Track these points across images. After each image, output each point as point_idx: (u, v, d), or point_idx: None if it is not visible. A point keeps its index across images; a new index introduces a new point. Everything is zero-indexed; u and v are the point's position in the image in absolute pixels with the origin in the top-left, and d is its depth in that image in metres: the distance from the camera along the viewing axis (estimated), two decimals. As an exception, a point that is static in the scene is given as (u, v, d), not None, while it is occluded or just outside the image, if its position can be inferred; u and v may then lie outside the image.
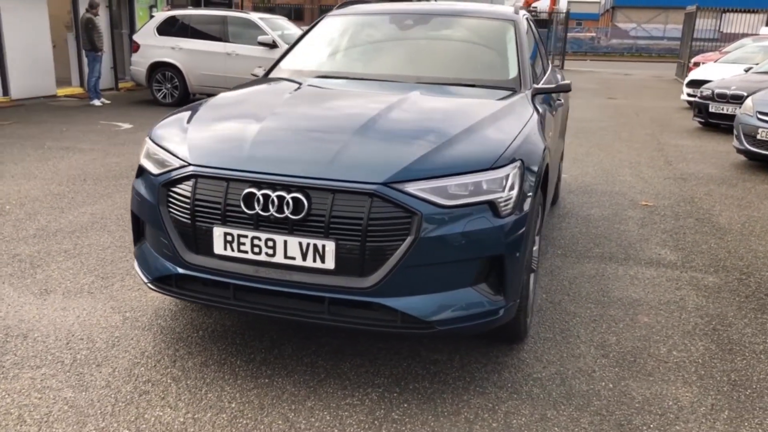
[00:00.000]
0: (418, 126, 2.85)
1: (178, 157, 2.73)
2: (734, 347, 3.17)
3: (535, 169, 2.80)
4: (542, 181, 3.26)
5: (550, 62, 5.42)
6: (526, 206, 2.68)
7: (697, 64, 16.77)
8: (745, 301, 3.73)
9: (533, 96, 3.59)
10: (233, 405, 2.56)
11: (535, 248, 3.29)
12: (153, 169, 2.81)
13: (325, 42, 4.14)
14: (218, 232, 2.57)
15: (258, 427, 2.43)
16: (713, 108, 10.51)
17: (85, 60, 12.05)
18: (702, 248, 4.66)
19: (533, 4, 46.88)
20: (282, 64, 4.02)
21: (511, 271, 2.63)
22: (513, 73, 3.63)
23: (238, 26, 11.52)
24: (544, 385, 2.77)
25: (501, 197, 2.55)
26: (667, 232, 5.01)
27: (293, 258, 2.50)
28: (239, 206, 2.53)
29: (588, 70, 27.99)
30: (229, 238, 2.56)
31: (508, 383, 2.78)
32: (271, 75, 3.93)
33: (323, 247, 2.46)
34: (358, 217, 2.42)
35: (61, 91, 12.69)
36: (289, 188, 2.49)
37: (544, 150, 3.03)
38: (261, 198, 2.49)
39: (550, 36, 30.07)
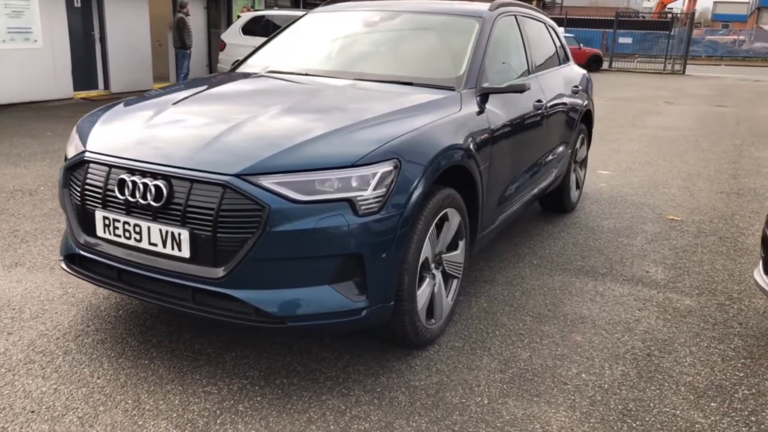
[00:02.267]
0: (301, 121, 2.83)
1: (81, 144, 2.89)
2: (656, 376, 2.87)
3: (422, 168, 2.69)
4: (471, 184, 3.16)
5: (559, 62, 5.12)
6: (401, 206, 2.58)
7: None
8: (710, 329, 3.36)
9: (482, 95, 3.44)
10: (99, 381, 2.68)
11: (455, 253, 3.16)
12: (68, 154, 2.99)
13: (294, 38, 4.20)
14: (99, 215, 2.70)
15: (106, 403, 2.53)
16: (815, 118, 9.44)
17: (179, 57, 12.92)
18: (703, 269, 4.24)
19: (669, 5, 44.35)
20: (250, 59, 4.12)
21: (374, 272, 2.56)
22: (460, 71, 3.49)
23: (316, 26, 11.83)
24: (415, 393, 2.66)
25: (362, 195, 2.49)
26: (674, 249, 4.60)
27: (156, 244, 2.58)
28: (114, 191, 2.64)
29: (713, 75, 26.02)
30: (106, 221, 2.68)
31: (378, 388, 2.69)
32: (238, 70, 4.04)
33: (179, 235, 2.51)
34: (210, 207, 2.45)
35: (157, 86, 13.63)
36: (155, 176, 2.56)
37: (450, 150, 2.90)
38: (130, 184, 2.59)
39: (674, 38, 28.21)
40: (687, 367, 2.96)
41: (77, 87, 11.88)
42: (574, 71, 5.27)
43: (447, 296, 3.18)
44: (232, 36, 12.46)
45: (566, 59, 5.33)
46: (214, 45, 15.14)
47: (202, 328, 3.14)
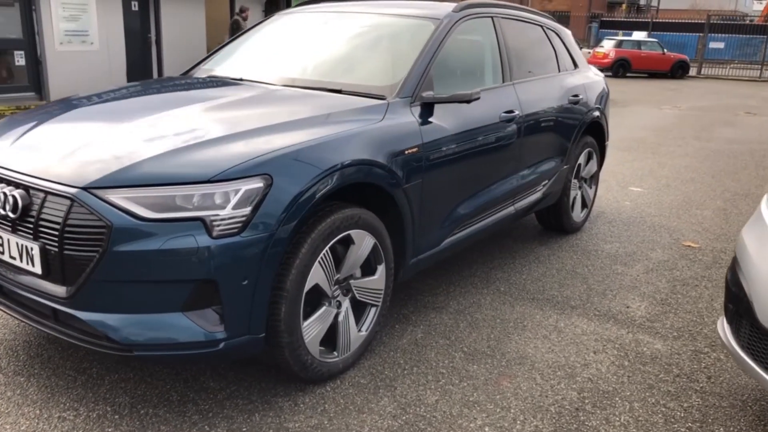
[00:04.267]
0: (180, 131, 2.60)
1: (-26, 150, 2.80)
2: (573, 437, 2.46)
3: (304, 186, 2.41)
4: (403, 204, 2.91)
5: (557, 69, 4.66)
6: (271, 227, 2.32)
7: None
8: (668, 381, 2.88)
9: (424, 105, 3.12)
10: (-39, 397, 2.56)
11: (372, 279, 2.86)
12: None
13: (250, 41, 3.99)
14: (-29, 224, 2.59)
15: (-47, 423, 2.40)
16: None
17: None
18: (696, 307, 3.70)
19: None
20: (204, 62, 3.96)
21: (233, 300, 2.30)
22: (396, 79, 3.17)
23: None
24: (281, 437, 2.39)
25: (217, 215, 2.24)
26: (673, 281, 4.07)
27: (15, 258, 2.43)
28: (-19, 200, 2.51)
29: (815, 84, 23.92)
30: (-24, 231, 2.56)
31: (245, 428, 2.44)
32: (190, 72, 3.89)
33: (31, 249, 2.35)
34: (58, 221, 2.28)
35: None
36: (17, 185, 2.42)
37: (351, 165, 2.61)
38: (-6, 193, 2.46)
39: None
40: (617, 428, 2.53)
41: (132, 88, 12.25)
42: (580, 79, 4.78)
43: (362, 326, 2.89)
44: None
45: (573, 65, 4.86)
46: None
47: (99, 345, 2.98)
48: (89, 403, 2.56)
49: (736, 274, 2.50)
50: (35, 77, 10.86)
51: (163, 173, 2.30)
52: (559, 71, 4.62)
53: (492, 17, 3.91)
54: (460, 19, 3.58)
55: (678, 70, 24.36)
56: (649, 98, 16.58)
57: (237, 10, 12.76)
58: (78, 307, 2.30)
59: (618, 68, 23.61)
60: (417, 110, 3.10)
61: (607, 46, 24.18)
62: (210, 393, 2.65)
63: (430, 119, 3.13)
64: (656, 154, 8.60)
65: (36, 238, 2.34)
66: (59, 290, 2.32)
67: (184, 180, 2.27)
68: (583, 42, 32.33)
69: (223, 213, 2.25)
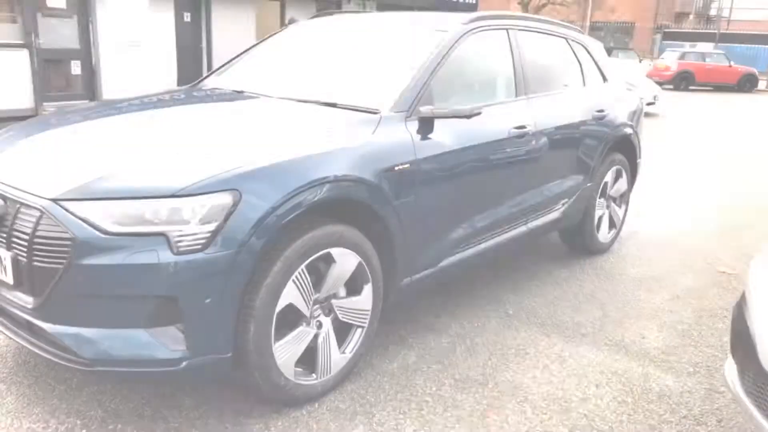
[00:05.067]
0: (153, 144, 2.58)
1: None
2: (553, 480, 2.28)
3: (275, 202, 2.33)
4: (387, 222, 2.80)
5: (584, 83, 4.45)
6: (238, 244, 2.25)
7: None
8: (674, 423, 2.66)
9: (422, 120, 3.00)
10: (-59, 403, 2.59)
11: (357, 299, 2.76)
12: None
13: (261, 53, 3.96)
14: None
15: (-75, 429, 2.42)
16: None
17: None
18: (721, 341, 3.43)
19: None
20: (214, 73, 3.96)
21: (196, 318, 2.25)
22: (392, 93, 3.05)
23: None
24: (243, 462, 2.31)
25: (180, 230, 2.19)
26: (699, 311, 3.80)
27: (-9, 268, 2.45)
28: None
29: None
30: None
31: (209, 450, 2.37)
32: (200, 84, 3.89)
33: (4, 258, 2.36)
34: (28, 232, 2.28)
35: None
36: (-6, 194, 2.44)
37: (330, 181, 2.52)
38: (-25, 201, 2.48)
39: None
40: (604, 472, 2.34)
41: (183, 96, 12.53)
42: (607, 93, 4.55)
43: (345, 348, 2.78)
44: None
45: (602, 79, 4.63)
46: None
47: (85, 355, 2.97)
48: (61, 415, 2.54)
49: (743, 310, 2.28)
50: (89, 85, 11.23)
51: (130, 186, 2.26)
52: (585, 85, 4.42)
53: (507, 29, 3.76)
54: (469, 31, 3.44)
55: (746, 84, 23.32)
56: (709, 113, 15.89)
57: (287, 21, 12.90)
58: (44, 318, 2.29)
59: (680, 81, 22.77)
60: (414, 125, 2.98)
61: (669, 58, 23.36)
62: (183, 410, 2.60)
63: (428, 135, 3.01)
64: (707, 171, 8.18)
65: (9, 248, 2.34)
66: (29, 301, 2.32)
67: (149, 194, 2.23)
68: (646, 54, 31.38)
69: (187, 228, 2.20)
